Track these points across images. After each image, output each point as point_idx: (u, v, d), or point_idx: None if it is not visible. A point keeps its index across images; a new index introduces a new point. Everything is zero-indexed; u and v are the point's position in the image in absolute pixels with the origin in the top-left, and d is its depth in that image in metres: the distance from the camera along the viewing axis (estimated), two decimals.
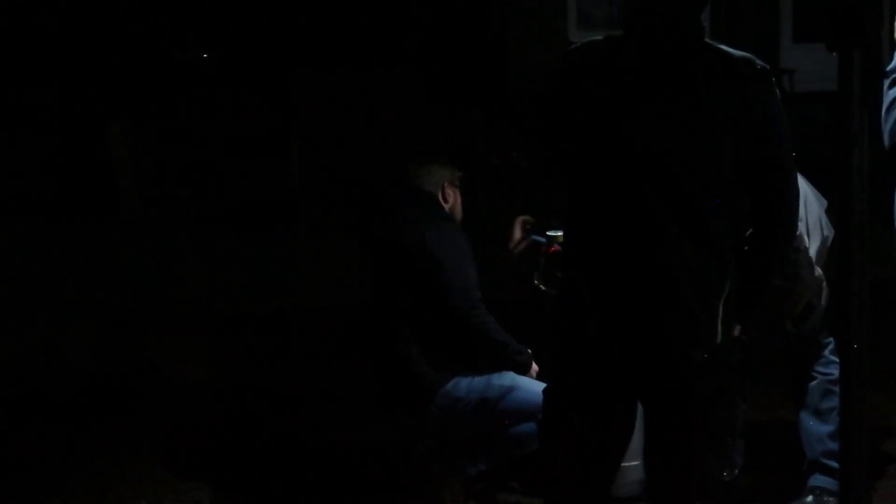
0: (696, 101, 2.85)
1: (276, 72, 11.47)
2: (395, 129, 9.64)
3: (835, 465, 3.95)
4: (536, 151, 3.15)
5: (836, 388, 3.89)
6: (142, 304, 7.53)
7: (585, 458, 3.07)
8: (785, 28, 11.50)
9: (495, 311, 4.03)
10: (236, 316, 7.19)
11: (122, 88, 11.83)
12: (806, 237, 3.89)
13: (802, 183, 3.66)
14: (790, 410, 4.38)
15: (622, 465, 3.21)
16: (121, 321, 7.09)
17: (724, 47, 2.91)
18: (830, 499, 4.07)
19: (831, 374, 4.08)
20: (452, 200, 4.26)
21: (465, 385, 4.01)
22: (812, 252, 3.92)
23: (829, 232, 4.00)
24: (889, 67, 3.72)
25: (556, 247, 4.18)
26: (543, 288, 4.21)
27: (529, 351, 4.10)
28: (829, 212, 3.98)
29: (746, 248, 2.98)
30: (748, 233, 2.98)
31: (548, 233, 4.27)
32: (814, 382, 4.13)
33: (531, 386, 3.98)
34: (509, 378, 4.03)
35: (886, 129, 3.60)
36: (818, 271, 3.95)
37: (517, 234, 4.30)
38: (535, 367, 4.09)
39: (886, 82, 3.62)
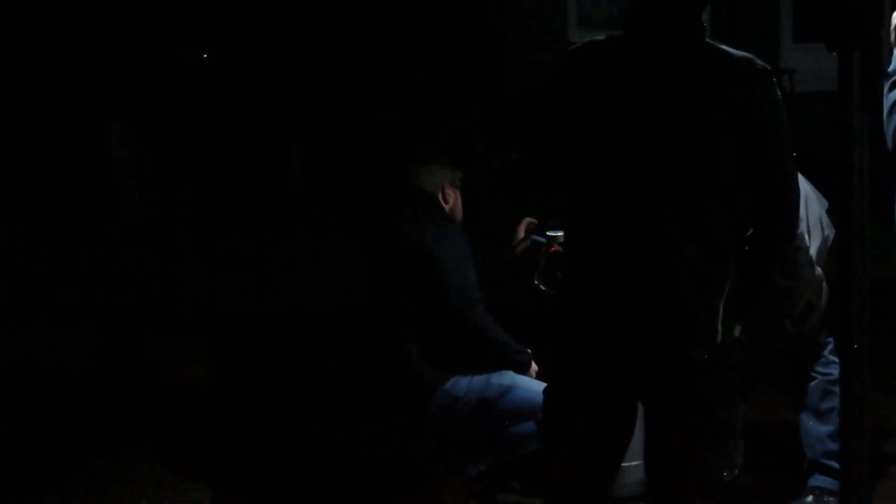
0: (697, 101, 2.85)
1: (276, 72, 11.47)
2: (395, 129, 9.65)
3: (835, 465, 3.95)
4: (535, 152, 3.14)
5: (836, 389, 3.89)
6: (142, 304, 7.53)
7: (586, 459, 3.07)
8: (785, 28, 11.49)
9: (495, 311, 4.03)
10: (236, 316, 7.19)
11: (122, 88, 11.82)
12: (807, 236, 3.89)
13: (804, 183, 3.66)
14: (790, 410, 4.38)
15: (622, 465, 3.21)
16: (121, 321, 7.09)
17: (724, 47, 2.91)
18: (831, 499, 4.07)
19: (831, 375, 4.08)
20: (453, 201, 4.26)
21: (465, 384, 4.01)
22: (812, 251, 3.92)
23: (830, 232, 4.00)
24: (890, 69, 3.72)
25: (557, 247, 4.18)
26: (543, 288, 4.21)
27: (529, 350, 4.10)
28: (829, 212, 3.98)
29: (746, 248, 2.98)
30: (748, 233, 2.98)
31: (548, 233, 4.27)
32: (814, 382, 4.14)
33: (530, 385, 3.98)
34: (508, 377, 4.03)
35: (889, 131, 3.61)
36: (818, 270, 3.95)
37: (521, 233, 4.30)
38: (534, 366, 4.10)
39: (886, 85, 3.63)
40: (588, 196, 2.96)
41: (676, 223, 2.83)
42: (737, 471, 4.20)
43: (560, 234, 4.17)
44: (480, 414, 4.01)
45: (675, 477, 2.99)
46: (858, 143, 2.72)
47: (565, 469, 3.09)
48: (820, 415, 4.12)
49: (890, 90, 3.68)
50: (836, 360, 4.00)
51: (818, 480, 4.14)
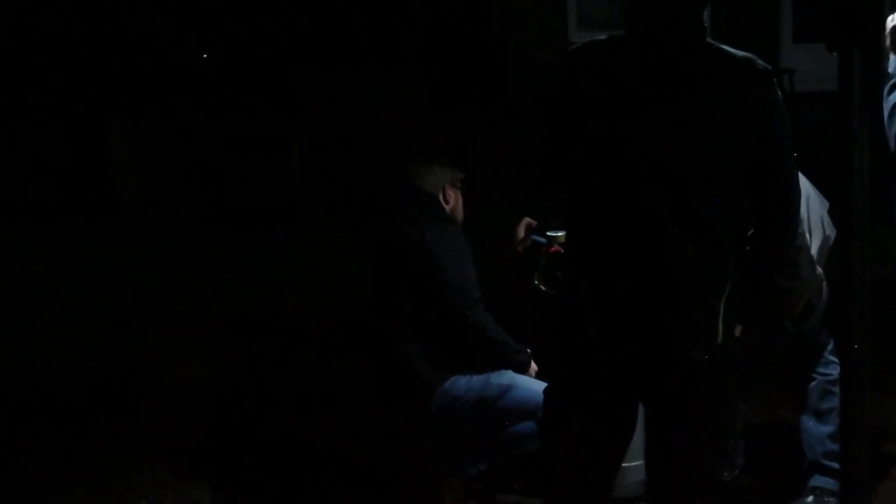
0: (697, 101, 2.85)
1: (276, 72, 11.45)
2: (395, 129, 9.64)
3: (835, 465, 3.95)
4: (535, 152, 3.14)
5: (836, 389, 3.89)
6: (142, 304, 7.53)
7: (585, 459, 3.07)
8: (785, 28, 11.48)
9: (495, 311, 4.03)
10: (236, 316, 7.19)
11: (122, 88, 11.81)
12: (808, 236, 3.89)
13: (805, 183, 3.66)
14: (790, 410, 4.38)
15: (623, 465, 3.21)
16: (121, 321, 7.09)
17: (724, 47, 2.91)
18: (831, 499, 4.07)
19: (831, 375, 4.08)
20: (453, 202, 4.26)
21: (464, 383, 4.01)
22: (813, 251, 3.92)
23: (831, 231, 4.00)
24: (890, 70, 3.72)
25: (557, 247, 4.19)
26: (543, 288, 4.21)
27: (529, 350, 4.10)
28: (830, 212, 3.98)
29: (747, 248, 2.98)
30: (748, 233, 2.98)
31: (548, 233, 4.27)
32: (813, 383, 4.14)
33: (530, 385, 3.98)
34: (508, 377, 4.03)
35: (891, 134, 3.60)
36: (819, 270, 3.95)
37: (521, 233, 4.30)
38: (534, 366, 4.10)
39: (887, 87, 3.62)
40: (588, 196, 2.96)
41: (676, 223, 2.83)
42: (737, 471, 4.20)
43: (560, 234, 4.17)
44: (480, 413, 4.01)
45: (676, 477, 2.99)
46: (858, 143, 2.72)
47: (565, 469, 3.10)
48: (820, 415, 4.13)
49: (889, 92, 3.67)
50: (836, 360, 4.00)
51: (818, 481, 4.15)
